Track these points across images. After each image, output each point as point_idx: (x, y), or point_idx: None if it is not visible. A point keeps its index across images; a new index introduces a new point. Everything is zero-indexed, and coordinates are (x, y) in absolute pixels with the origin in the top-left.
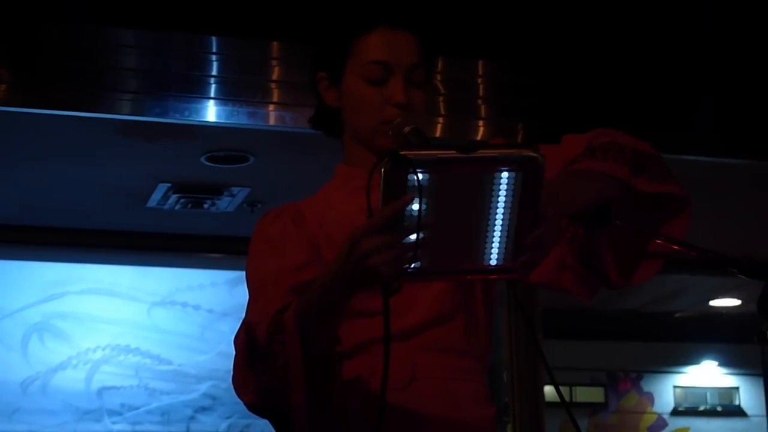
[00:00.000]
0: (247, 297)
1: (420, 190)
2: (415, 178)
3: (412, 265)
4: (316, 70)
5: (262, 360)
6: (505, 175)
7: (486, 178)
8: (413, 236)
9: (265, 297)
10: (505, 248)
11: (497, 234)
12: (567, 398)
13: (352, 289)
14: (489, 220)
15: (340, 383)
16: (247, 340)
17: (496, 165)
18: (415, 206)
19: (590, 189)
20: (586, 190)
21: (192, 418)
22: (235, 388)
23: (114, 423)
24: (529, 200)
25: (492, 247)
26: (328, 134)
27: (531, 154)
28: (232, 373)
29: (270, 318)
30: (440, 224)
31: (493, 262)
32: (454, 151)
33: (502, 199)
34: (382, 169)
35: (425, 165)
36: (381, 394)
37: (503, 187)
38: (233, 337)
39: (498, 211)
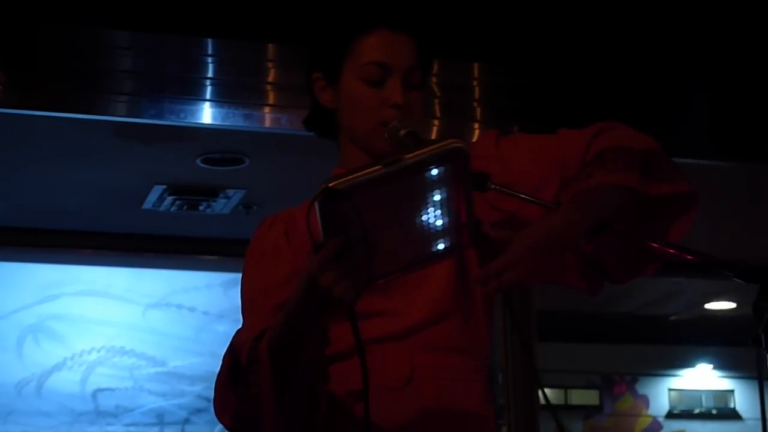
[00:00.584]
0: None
1: (359, 216)
2: (351, 206)
3: (372, 279)
4: (312, 71)
5: (242, 385)
6: (434, 171)
7: (418, 179)
8: (365, 251)
9: (252, 315)
10: (450, 230)
11: (440, 222)
12: (562, 401)
13: (318, 320)
14: (429, 211)
15: (325, 399)
16: (230, 363)
17: (424, 167)
18: (360, 227)
19: (606, 206)
20: (602, 207)
21: (187, 420)
22: (214, 408)
23: (109, 425)
24: (462, 184)
25: (438, 234)
26: (322, 135)
27: (455, 146)
28: (213, 392)
29: (249, 344)
30: (386, 230)
31: (442, 246)
32: (380, 167)
33: (437, 192)
34: (317, 205)
35: (356, 190)
36: (365, 410)
37: (435, 181)
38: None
39: (435, 202)
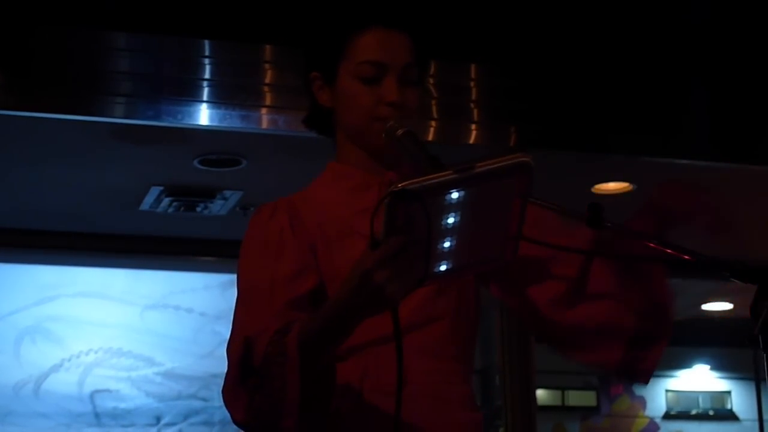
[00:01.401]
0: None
1: (427, 218)
2: (422, 208)
3: (423, 282)
4: (309, 70)
5: (257, 378)
6: (499, 183)
7: (483, 188)
8: (422, 253)
9: (262, 308)
10: (500, 241)
11: (493, 231)
12: (559, 402)
13: (363, 317)
14: (485, 220)
15: (336, 400)
16: (243, 355)
17: (493, 177)
18: (422, 228)
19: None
20: None
21: (184, 420)
22: (225, 401)
23: (106, 426)
24: (520, 198)
25: (489, 243)
26: (322, 134)
27: (523, 160)
28: (223, 383)
29: (270, 337)
30: (441, 235)
31: (489, 255)
32: (451, 172)
33: (497, 201)
34: (386, 201)
35: (428, 192)
36: (397, 406)
37: (497, 192)
38: (226, 345)
39: (493, 211)
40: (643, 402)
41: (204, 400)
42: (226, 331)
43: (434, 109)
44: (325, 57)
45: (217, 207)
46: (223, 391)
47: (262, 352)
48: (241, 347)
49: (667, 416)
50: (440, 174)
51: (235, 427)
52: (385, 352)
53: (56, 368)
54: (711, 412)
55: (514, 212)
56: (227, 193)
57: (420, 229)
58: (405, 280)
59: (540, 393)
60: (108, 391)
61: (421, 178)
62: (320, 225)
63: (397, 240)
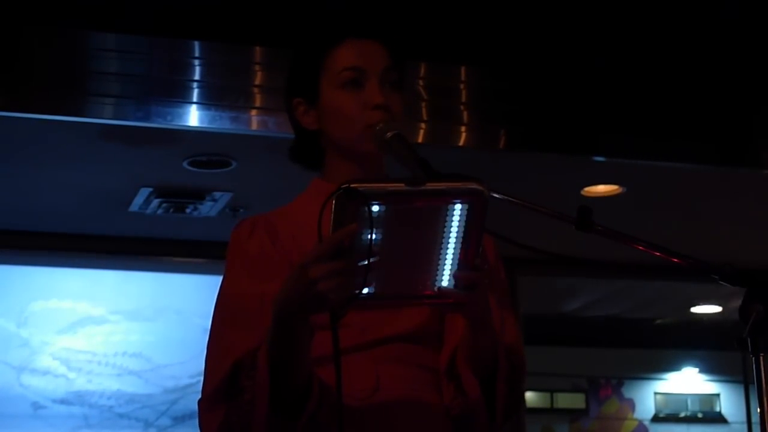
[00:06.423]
0: (221, 309)
1: (371, 221)
2: (366, 209)
3: (362, 291)
4: (291, 98)
5: (235, 395)
6: (452, 207)
7: (434, 209)
8: (364, 263)
9: (252, 328)
10: (450, 275)
11: (443, 261)
12: (548, 404)
13: (303, 314)
14: (436, 247)
15: (311, 410)
16: (231, 375)
17: (444, 197)
18: (366, 235)
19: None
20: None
21: (174, 421)
22: (200, 411)
23: (95, 427)
24: (472, 231)
25: (439, 274)
26: (308, 166)
27: (477, 187)
28: (201, 395)
29: (251, 355)
30: (390, 251)
31: (440, 286)
32: (403, 185)
33: (449, 228)
34: (334, 200)
35: (376, 198)
36: (338, 417)
37: (450, 217)
38: (206, 357)
39: (444, 239)
40: (631, 404)
41: (194, 401)
42: None
43: (424, 111)
44: (305, 77)
45: (207, 208)
46: (200, 403)
47: (245, 370)
48: (230, 367)
49: (656, 419)
50: (391, 183)
51: None
52: (354, 359)
53: (45, 370)
54: (700, 415)
55: (466, 244)
56: (217, 194)
57: (368, 235)
58: (343, 282)
59: (528, 395)
60: (97, 392)
61: (371, 183)
62: (295, 238)
63: (337, 236)
